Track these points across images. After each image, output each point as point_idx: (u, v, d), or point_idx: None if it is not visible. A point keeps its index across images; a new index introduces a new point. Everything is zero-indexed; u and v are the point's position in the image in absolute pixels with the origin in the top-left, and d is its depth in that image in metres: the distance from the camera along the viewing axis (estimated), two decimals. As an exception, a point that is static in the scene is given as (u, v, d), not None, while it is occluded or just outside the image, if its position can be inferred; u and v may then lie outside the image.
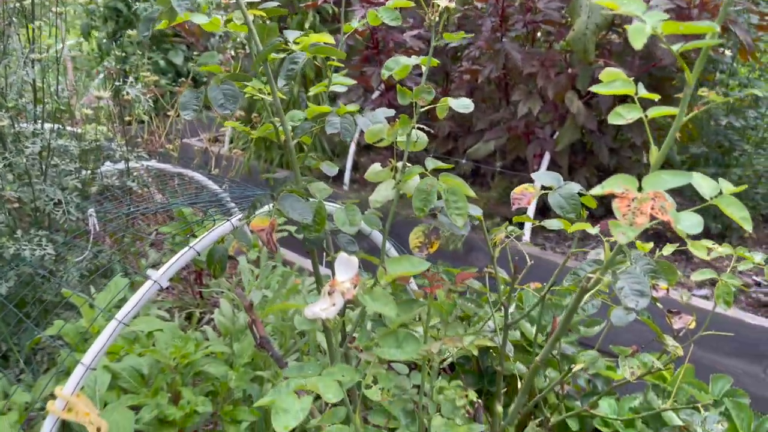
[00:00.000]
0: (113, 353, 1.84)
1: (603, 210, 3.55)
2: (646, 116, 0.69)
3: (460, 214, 1.04)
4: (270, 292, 2.23)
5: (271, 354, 1.36)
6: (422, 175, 1.13)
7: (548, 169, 3.43)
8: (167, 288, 3.20)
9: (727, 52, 3.31)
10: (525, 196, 1.04)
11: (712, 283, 3.05)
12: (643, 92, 0.70)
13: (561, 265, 1.16)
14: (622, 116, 0.68)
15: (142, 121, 3.87)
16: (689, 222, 0.62)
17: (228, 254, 1.26)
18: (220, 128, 4.51)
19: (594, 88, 0.71)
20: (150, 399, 1.64)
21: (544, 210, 3.54)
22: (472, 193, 1.07)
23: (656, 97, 0.70)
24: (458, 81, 3.82)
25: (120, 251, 2.50)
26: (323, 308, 0.87)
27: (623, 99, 3.67)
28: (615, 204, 0.59)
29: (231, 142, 4.88)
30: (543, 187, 1.08)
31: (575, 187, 1.07)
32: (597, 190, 0.62)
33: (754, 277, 3.11)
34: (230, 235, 1.24)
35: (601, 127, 3.46)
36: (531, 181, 3.52)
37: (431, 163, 1.13)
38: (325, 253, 1.41)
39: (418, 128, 1.14)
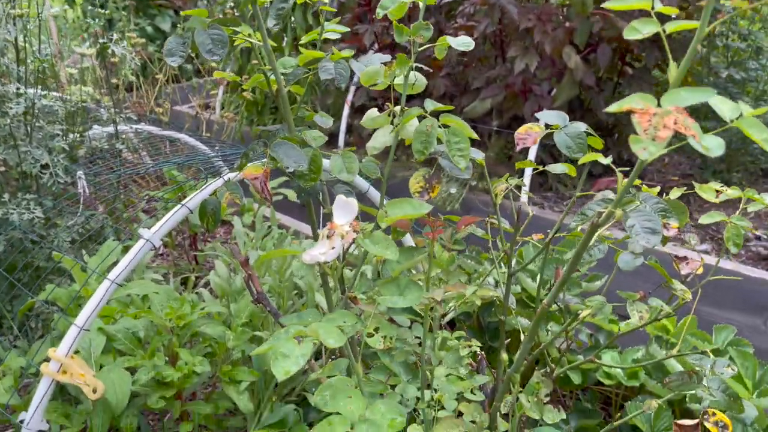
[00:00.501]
0: (108, 317, 1.81)
1: (601, 169, 3.51)
2: (663, 30, 0.64)
3: (462, 156, 0.99)
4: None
5: (268, 309, 1.33)
6: (421, 118, 1.08)
7: (546, 127, 3.37)
8: (162, 254, 3.17)
9: (728, 3, 3.23)
10: (530, 135, 0.99)
11: (712, 238, 3.04)
12: (659, 7, 0.66)
13: (565, 212, 1.12)
14: (638, 30, 0.63)
15: (131, 89, 3.79)
16: (713, 143, 0.58)
17: (221, 207, 1.22)
18: (210, 93, 4.42)
19: (607, 4, 0.66)
20: (147, 361, 1.62)
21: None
22: (474, 134, 1.02)
23: (674, 11, 0.65)
24: (453, 39, 3.73)
25: (112, 215, 2.45)
26: (322, 252, 0.83)
27: (623, 55, 3.60)
28: (635, 119, 0.55)
29: (222, 107, 4.80)
30: (547, 127, 1.04)
31: (581, 125, 1.02)
32: (614, 108, 0.58)
33: (754, 231, 3.09)
34: (222, 188, 1.20)
35: (599, 83, 3.40)
36: (529, 138, 3.38)
37: (430, 104, 1.08)
38: (322, 207, 1.37)
39: (417, 69, 1.09)
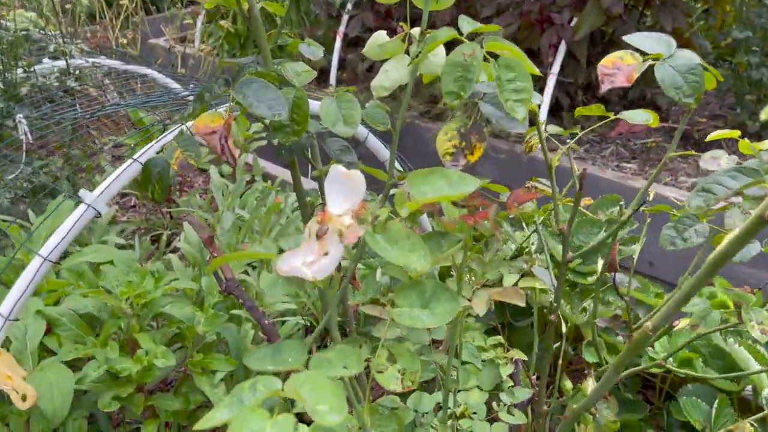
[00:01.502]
0: (55, 291, 1.50)
1: (622, 105, 3.14)
2: None
3: (520, 100, 0.66)
4: (246, 212, 1.87)
5: (242, 302, 1.02)
6: (450, 45, 0.74)
7: (563, 62, 3.00)
8: (134, 206, 2.83)
9: None
10: (620, 69, 0.66)
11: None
12: None
13: (651, 179, 0.80)
14: None
15: (94, 18, 3.36)
16: None
17: (170, 168, 0.89)
18: (184, 23, 3.97)
19: None
20: (98, 350, 1.32)
21: (555, 108, 3.13)
22: (536, 70, 0.68)
23: None
24: (459, -39, 3.30)
25: (67, 163, 2.11)
26: (308, 261, 0.51)
27: (652, -23, 3.19)
28: None
29: (202, 41, 4.35)
30: (644, 57, 0.70)
31: (694, 56, 0.69)
32: None
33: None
34: (172, 142, 0.86)
35: (625, 11, 3.00)
36: (545, 75, 3.00)
37: (467, 23, 0.74)
38: (310, 166, 1.04)
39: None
